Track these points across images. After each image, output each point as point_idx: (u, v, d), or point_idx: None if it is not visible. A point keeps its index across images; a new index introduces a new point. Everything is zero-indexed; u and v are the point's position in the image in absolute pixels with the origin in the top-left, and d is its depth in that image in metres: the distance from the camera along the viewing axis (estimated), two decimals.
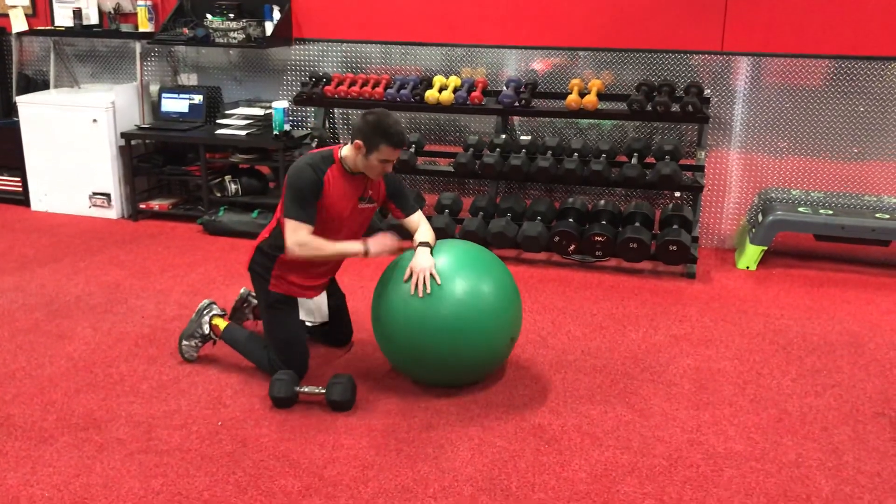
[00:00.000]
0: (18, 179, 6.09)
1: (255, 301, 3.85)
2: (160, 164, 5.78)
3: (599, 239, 4.69)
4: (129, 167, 5.77)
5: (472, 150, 5.08)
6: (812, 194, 5.14)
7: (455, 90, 5.15)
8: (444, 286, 3.14)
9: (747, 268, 4.91)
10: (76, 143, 5.78)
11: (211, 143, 5.58)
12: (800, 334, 3.96)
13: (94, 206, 5.87)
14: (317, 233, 3.17)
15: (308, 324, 3.58)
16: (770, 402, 3.29)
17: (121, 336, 3.85)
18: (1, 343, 3.77)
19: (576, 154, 4.91)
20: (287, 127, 5.53)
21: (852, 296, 4.48)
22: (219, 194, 5.66)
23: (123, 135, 5.70)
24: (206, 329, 3.53)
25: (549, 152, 4.95)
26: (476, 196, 5.15)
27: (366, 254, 3.20)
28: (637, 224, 4.77)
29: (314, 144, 5.36)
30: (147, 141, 5.87)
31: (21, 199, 6.10)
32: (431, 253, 3.22)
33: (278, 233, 3.23)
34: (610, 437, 3.00)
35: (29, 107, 5.87)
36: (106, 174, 5.79)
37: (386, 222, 4.76)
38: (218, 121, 5.77)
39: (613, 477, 2.75)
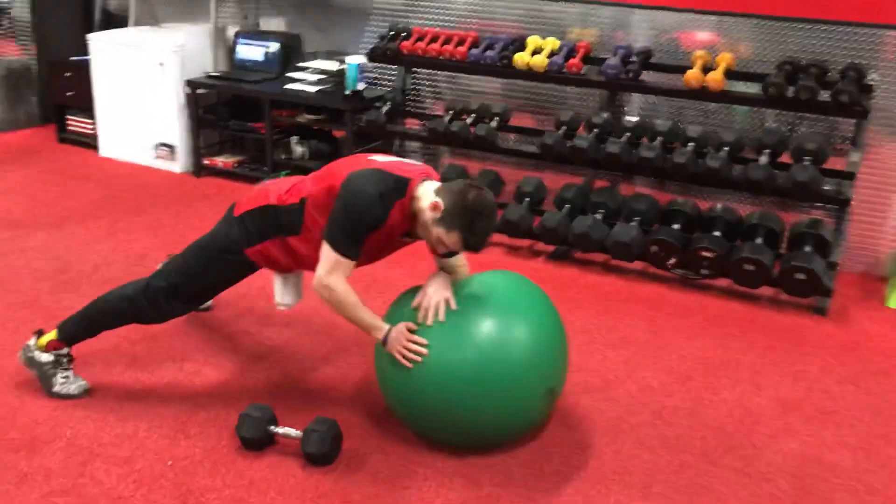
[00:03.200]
0: (91, 122, 5.75)
1: None
2: (226, 118, 5.26)
3: (707, 255, 3.75)
4: (194, 118, 5.28)
5: (563, 128, 4.22)
6: None
7: (551, 54, 4.28)
8: (464, 324, 2.43)
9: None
10: (143, 88, 5.34)
11: (277, 99, 4.99)
12: None
13: (159, 157, 5.44)
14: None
15: (281, 308, 2.89)
16: None
17: None
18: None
19: (691, 144, 3.96)
20: (361, 86, 4.84)
21: None
22: (284, 156, 5.09)
23: (189, 82, 5.20)
24: (48, 357, 2.78)
25: (658, 139, 4.02)
26: (563, 185, 4.29)
27: (383, 343, 2.49)
28: (758, 241, 3.79)
29: (384, 109, 4.66)
30: (212, 91, 5.34)
31: (92, 142, 5.76)
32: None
33: (299, 213, 2.56)
34: None
35: (99, 45, 5.47)
36: (172, 124, 5.32)
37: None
38: (289, 73, 5.15)
39: None
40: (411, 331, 2.45)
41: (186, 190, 5.09)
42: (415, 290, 2.61)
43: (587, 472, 2.54)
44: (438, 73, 4.95)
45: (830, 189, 3.75)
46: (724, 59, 3.96)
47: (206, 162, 5.36)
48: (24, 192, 4.92)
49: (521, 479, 2.48)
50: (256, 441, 2.55)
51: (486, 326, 2.44)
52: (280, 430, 2.57)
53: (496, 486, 2.45)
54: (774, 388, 3.09)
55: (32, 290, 3.61)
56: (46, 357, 2.79)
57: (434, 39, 4.57)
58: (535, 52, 4.32)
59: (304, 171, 4.86)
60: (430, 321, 2.42)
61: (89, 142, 5.78)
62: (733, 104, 4.13)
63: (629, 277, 4.01)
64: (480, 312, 2.48)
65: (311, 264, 2.61)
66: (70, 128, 5.92)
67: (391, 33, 4.73)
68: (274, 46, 5.32)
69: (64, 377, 2.80)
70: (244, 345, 3.24)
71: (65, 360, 2.81)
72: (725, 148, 3.90)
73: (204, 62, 5.38)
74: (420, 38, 4.60)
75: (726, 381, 3.12)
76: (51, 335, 2.82)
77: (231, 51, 5.49)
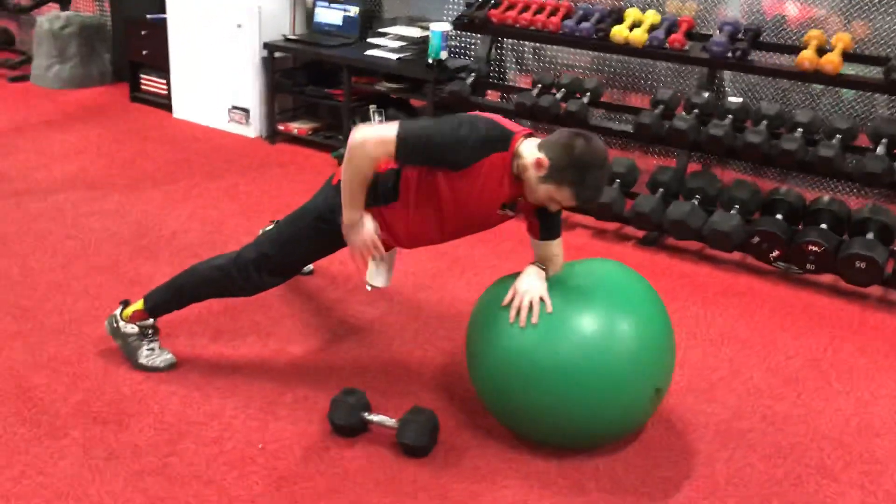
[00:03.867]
0: (164, 82, 5.67)
1: None
2: (302, 83, 5.12)
3: (815, 248, 3.52)
4: (270, 82, 5.15)
5: (661, 107, 4.00)
6: None
7: (651, 29, 4.05)
8: (567, 319, 2.27)
9: None
10: (219, 49, 5.23)
11: (357, 65, 4.83)
12: None
13: (233, 121, 5.33)
14: (429, 209, 2.37)
15: (368, 287, 2.69)
16: None
17: None
18: (71, 280, 3.30)
19: (799, 130, 3.71)
20: (444, 55, 4.66)
21: None
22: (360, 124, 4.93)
23: (267, 45, 5.07)
24: (132, 328, 2.72)
25: (764, 123, 3.77)
26: (658, 168, 4.07)
27: (344, 227, 2.39)
28: (870, 236, 3.55)
29: (469, 81, 4.47)
30: (289, 55, 5.20)
31: (166, 103, 5.68)
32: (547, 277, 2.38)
33: (394, 181, 2.39)
34: None
35: (177, 4, 5.36)
36: (247, 88, 5.21)
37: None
38: (370, 39, 4.99)
39: None
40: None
41: (260, 156, 4.98)
42: (510, 280, 2.46)
43: (698, 480, 2.38)
44: (525, 44, 4.75)
45: None
46: (842, 40, 3.69)
47: (280, 128, 5.24)
48: (98, 151, 4.87)
49: (629, 485, 2.33)
50: (349, 428, 2.44)
51: (591, 321, 2.28)
52: (374, 417, 2.45)
53: (603, 491, 2.30)
54: (892, 397, 2.88)
55: (112, 255, 3.54)
56: (131, 328, 2.72)
57: (526, 8, 4.36)
58: (634, 25, 4.08)
59: None
60: (522, 323, 2.26)
61: (162, 102, 5.71)
62: (850, 89, 3.86)
63: (725, 268, 3.79)
64: (584, 306, 2.31)
65: (404, 239, 2.49)
66: (143, 87, 5.85)
67: (479, 0, 4.53)
68: (353, 10, 5.15)
69: (149, 349, 2.72)
70: (329, 322, 3.13)
71: (150, 331, 2.73)
72: (838, 136, 3.64)
73: (281, 25, 5.24)
74: (511, 7, 4.39)
75: (839, 387, 2.91)
76: (137, 305, 2.73)
77: (310, 14, 5.34)
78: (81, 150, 4.86)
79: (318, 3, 5.27)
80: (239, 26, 5.09)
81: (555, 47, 4.66)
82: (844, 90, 3.98)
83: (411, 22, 5.13)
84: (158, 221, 3.92)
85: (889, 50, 3.76)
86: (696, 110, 3.93)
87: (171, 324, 2.89)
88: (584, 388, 2.25)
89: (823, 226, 3.64)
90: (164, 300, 2.71)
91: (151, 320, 2.73)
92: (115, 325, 2.75)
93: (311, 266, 3.24)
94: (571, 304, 2.32)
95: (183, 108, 5.56)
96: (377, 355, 2.92)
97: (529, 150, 2.25)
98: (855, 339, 3.26)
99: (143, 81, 5.84)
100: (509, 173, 2.28)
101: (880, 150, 3.55)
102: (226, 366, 2.79)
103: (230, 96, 5.29)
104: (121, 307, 2.77)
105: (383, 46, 4.87)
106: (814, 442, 2.59)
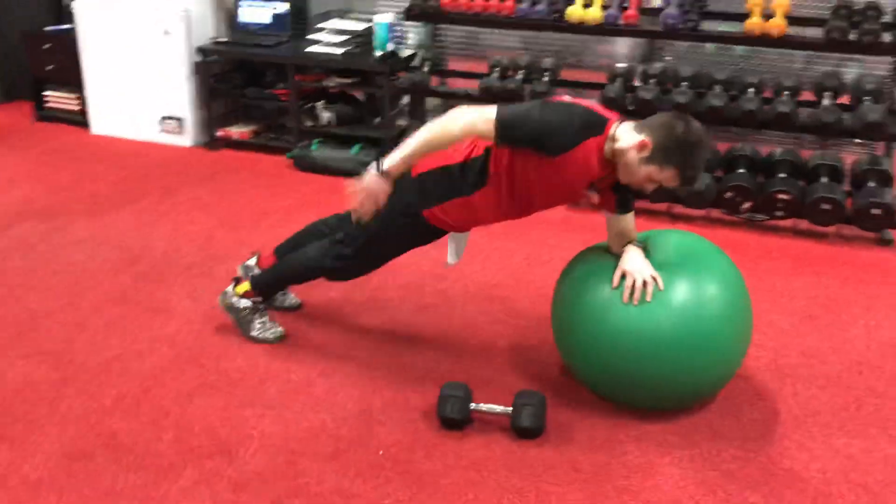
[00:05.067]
0: (77, 97, 5.33)
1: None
2: (241, 86, 4.98)
3: (784, 197, 3.88)
4: (205, 88, 4.98)
5: (619, 80, 4.23)
6: None
7: (604, 6, 4.26)
8: (668, 289, 2.41)
9: None
10: (145, 57, 4.98)
11: (302, 63, 4.76)
12: None
13: (165, 131, 5.11)
14: (520, 191, 2.46)
15: (448, 266, 2.83)
16: None
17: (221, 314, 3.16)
18: (88, 316, 3.11)
19: (751, 90, 4.05)
20: (391, 46, 4.69)
21: None
22: (310, 123, 4.88)
23: (200, 49, 4.89)
24: (244, 303, 2.92)
25: (717, 87, 4.09)
26: None
27: (378, 172, 2.46)
28: (827, 180, 3.95)
29: (426, 69, 4.53)
30: (220, 58, 5.03)
31: (80, 119, 5.34)
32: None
33: (483, 164, 2.46)
34: (891, 492, 2.31)
35: (87, 13, 5.04)
36: (179, 95, 5.00)
37: None
38: (309, 36, 4.92)
39: None
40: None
41: (207, 165, 4.82)
42: (592, 256, 2.60)
43: (782, 416, 2.62)
44: (458, 29, 4.85)
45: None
46: (781, 5, 4.05)
47: (219, 133, 5.07)
48: (29, 176, 4.55)
49: (729, 433, 2.53)
50: (461, 421, 2.50)
51: (684, 289, 2.43)
52: (484, 406, 2.52)
53: (711, 440, 2.49)
54: (890, 319, 3.26)
55: (116, 285, 3.36)
56: (245, 303, 2.91)
57: None
58: (587, 4, 4.28)
59: (333, 138, 4.75)
60: (636, 302, 2.39)
61: (75, 119, 5.37)
62: (796, 49, 4.24)
63: (697, 224, 4.10)
64: (674, 275, 2.46)
65: (490, 219, 2.59)
66: (49, 104, 5.47)
67: None
68: (282, 7, 5.05)
69: (261, 322, 2.91)
70: (380, 319, 3.14)
71: (262, 306, 2.90)
72: (786, 93, 4.01)
73: (206, 28, 5.06)
74: None
75: (846, 317, 3.26)
76: (245, 286, 2.89)
77: (232, 14, 5.18)
78: (11, 178, 4.51)
79: (242, 3, 5.12)
80: (167, 33, 4.87)
81: (487, 31, 4.80)
82: (709, 46, 4.40)
83: (343, 15, 5.10)
84: (143, 244, 3.74)
85: (822, 11, 4.17)
86: (652, 80, 4.19)
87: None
88: (685, 352, 2.40)
89: (784, 175, 4.01)
90: (268, 285, 2.94)
91: (260, 298, 2.89)
92: (228, 301, 2.94)
93: (298, 300, 3.21)
94: (663, 274, 2.44)
95: (103, 124, 5.25)
96: (445, 348, 2.97)
97: (626, 133, 2.37)
98: (835, 273, 3.64)
99: (49, 98, 5.46)
100: (601, 156, 2.40)
101: (826, 102, 3.94)
102: (299, 381, 2.76)
103: (160, 106, 5.06)
104: (233, 284, 2.96)
105: (324, 41, 4.81)
106: (853, 369, 2.91)
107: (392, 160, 2.45)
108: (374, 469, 2.35)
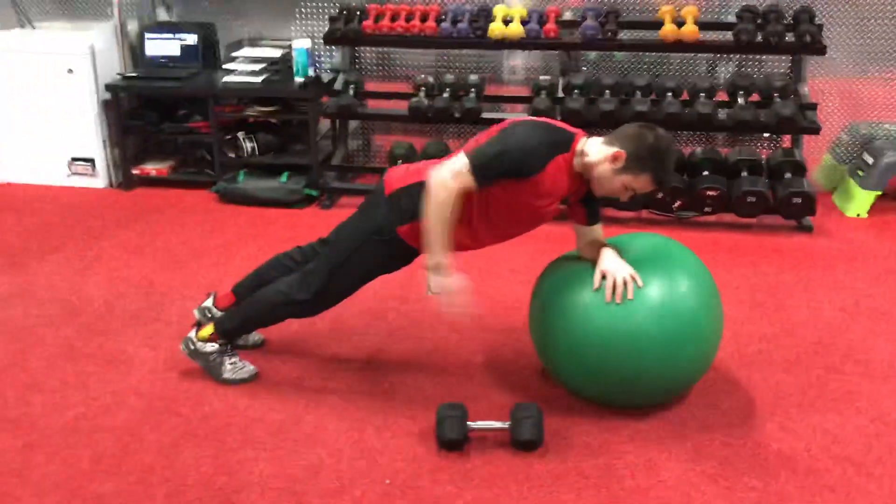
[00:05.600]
0: None
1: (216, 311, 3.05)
2: (156, 122, 4.80)
3: (712, 193, 4.08)
4: (117, 126, 4.77)
5: (543, 92, 4.34)
6: None
7: (523, 22, 4.36)
8: (645, 290, 2.49)
9: (857, 215, 4.42)
10: (49, 98, 4.73)
11: (221, 94, 4.64)
12: None
13: (76, 173, 4.86)
14: (493, 216, 2.49)
15: (431, 294, 2.65)
16: None
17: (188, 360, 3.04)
18: (38, 375, 2.92)
19: (669, 94, 4.24)
20: (311, 71, 4.64)
21: None
22: (232, 155, 4.76)
23: (108, 87, 4.69)
24: (210, 347, 2.81)
25: (637, 93, 4.26)
26: None
27: (432, 269, 2.45)
28: (747, 174, 4.18)
29: (351, 92, 4.50)
30: (129, 94, 4.84)
31: None
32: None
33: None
34: (872, 460, 2.46)
35: None
36: (88, 135, 4.77)
37: None
38: (226, 65, 4.80)
39: None
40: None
41: (126, 205, 4.62)
42: (566, 263, 2.66)
43: (757, 402, 2.75)
44: (372, 50, 4.86)
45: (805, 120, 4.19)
46: (691, 12, 4.27)
47: (134, 172, 4.87)
48: None
49: (714, 423, 2.63)
50: (460, 441, 2.49)
51: (658, 288, 2.50)
52: (482, 424, 2.53)
53: (699, 433, 2.58)
54: (828, 299, 3.48)
55: (60, 339, 3.17)
56: (210, 347, 2.81)
57: (395, 16, 4.47)
58: (506, 20, 4.37)
59: (258, 168, 4.65)
60: (619, 300, 2.45)
61: None
62: (708, 53, 4.47)
63: (629, 226, 4.25)
64: (654, 274, 2.53)
65: (464, 242, 2.56)
66: None
67: (344, 13, 4.56)
68: (191, 38, 4.91)
69: (231, 363, 2.80)
70: (352, 339, 3.09)
71: (227, 347, 2.80)
72: (701, 94, 4.22)
73: (113, 64, 4.85)
74: (380, 16, 4.47)
75: (790, 302, 3.46)
76: (209, 329, 2.77)
77: (137, 48, 4.99)
78: None
79: (148, 36, 4.94)
80: (70, 71, 4.64)
81: (401, 51, 4.84)
82: (617, 53, 4.62)
83: (254, 43, 5.01)
84: (77, 294, 3.54)
85: (728, 16, 4.42)
86: (576, 91, 4.32)
87: None
88: (668, 348, 2.49)
89: (707, 173, 4.22)
90: (234, 328, 2.81)
91: (226, 342, 2.80)
92: (191, 346, 2.82)
93: (261, 337, 3.12)
94: (639, 273, 2.51)
95: (6, 170, 4.94)
96: (419, 369, 2.96)
97: (595, 147, 2.44)
98: (767, 261, 3.85)
99: None
100: (571, 172, 2.46)
101: (741, 101, 4.18)
102: (284, 419, 2.68)
103: (69, 147, 4.81)
104: (194, 329, 2.82)
105: (240, 70, 4.71)
106: (808, 348, 3.09)
107: (435, 256, 2.42)
108: (386, 500, 2.31)
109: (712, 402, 2.74)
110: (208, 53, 4.96)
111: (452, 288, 2.45)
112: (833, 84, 4.66)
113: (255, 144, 4.74)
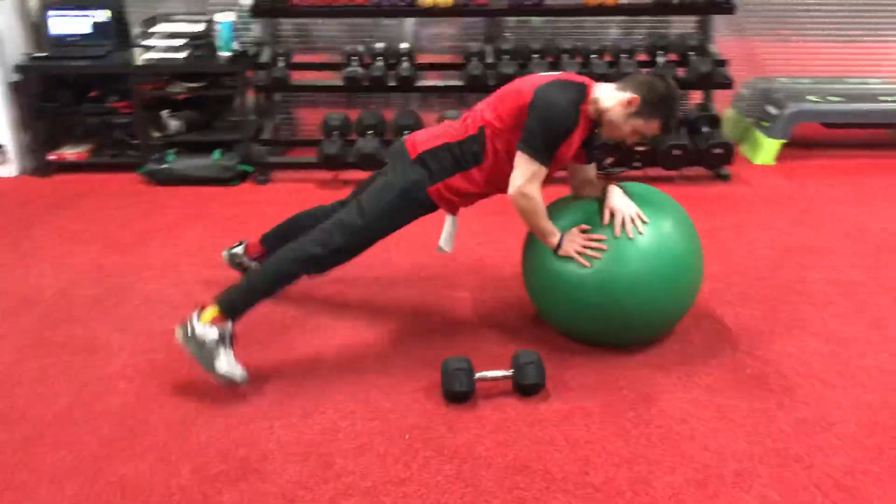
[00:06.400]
0: None
1: (250, 260, 3.24)
2: (71, 103, 4.58)
3: (640, 148, 4.33)
4: (28, 109, 4.52)
5: (475, 59, 4.45)
6: (800, 81, 5.08)
7: None
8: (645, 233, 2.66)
9: (765, 163, 4.79)
10: None
11: (143, 72, 4.48)
12: (884, 227, 3.89)
13: None
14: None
15: (441, 251, 2.88)
16: None
17: (170, 337, 2.93)
18: (13, 370, 2.79)
19: (595, 56, 4.44)
20: (236, 45, 4.55)
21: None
22: (157, 134, 4.61)
23: (19, 68, 4.43)
24: (213, 332, 2.60)
25: (566, 56, 4.44)
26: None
27: (556, 249, 2.68)
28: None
29: (282, 63, 4.45)
30: (39, 75, 4.60)
31: None
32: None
33: (480, 142, 2.62)
34: (834, 375, 2.74)
35: None
36: None
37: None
38: (144, 42, 4.62)
39: (891, 416, 2.50)
40: (585, 231, 2.67)
41: (48, 192, 4.41)
42: (554, 209, 2.79)
43: (724, 333, 2.98)
44: (289, 22, 4.82)
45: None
46: None
47: (50, 157, 4.64)
48: None
49: (693, 356, 2.84)
50: (467, 393, 2.60)
51: (655, 232, 2.67)
52: (489, 374, 2.64)
53: (682, 365, 2.78)
54: (762, 239, 3.79)
55: (22, 332, 3.03)
56: (212, 333, 2.58)
57: None
58: None
59: (186, 146, 4.52)
60: (630, 234, 2.62)
61: None
62: (628, 16, 4.69)
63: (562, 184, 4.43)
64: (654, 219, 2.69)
65: (492, 191, 2.71)
66: None
67: None
68: (102, 15, 4.70)
69: (227, 356, 2.61)
70: (345, 306, 3.12)
71: (228, 338, 2.62)
72: (623, 55, 4.45)
73: (17, 44, 4.58)
74: None
75: (730, 244, 3.74)
76: (212, 311, 2.61)
77: (39, 27, 4.72)
78: None
79: (51, 14, 4.69)
80: None
81: (320, 22, 4.83)
82: (534, 19, 4.81)
83: (170, 19, 4.84)
84: (26, 285, 3.38)
85: None
86: (506, 56, 4.45)
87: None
88: (659, 289, 2.67)
89: None
90: (240, 298, 2.66)
91: (230, 324, 2.62)
92: (189, 329, 2.58)
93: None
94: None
95: None
96: (405, 332, 3.03)
97: (608, 92, 2.59)
98: (700, 208, 4.12)
99: None
100: (588, 119, 2.61)
101: (661, 60, 4.43)
102: (287, 389, 2.69)
103: None
104: (196, 312, 2.62)
105: (159, 47, 4.56)
106: (756, 283, 3.36)
107: (552, 241, 2.67)
108: (409, 453, 2.39)
109: (685, 338, 2.96)
110: (121, 30, 4.76)
111: (577, 242, 2.65)
112: (731, 43, 5.00)
113: (182, 122, 4.61)
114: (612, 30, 5.03)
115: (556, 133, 2.53)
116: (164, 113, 4.59)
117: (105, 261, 3.60)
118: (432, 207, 2.72)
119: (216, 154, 4.49)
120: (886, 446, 2.39)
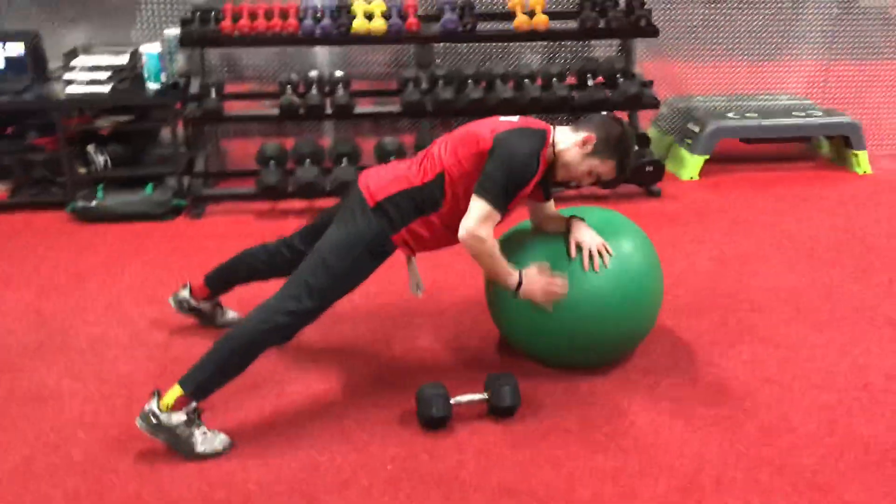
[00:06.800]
0: None
1: (198, 303, 3.13)
2: None
3: None
4: None
5: (411, 84, 4.48)
6: (714, 99, 5.33)
7: (384, 16, 4.46)
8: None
9: (691, 178, 4.99)
10: None
11: (66, 107, 4.31)
12: (810, 235, 4.11)
13: None
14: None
15: (417, 295, 2.87)
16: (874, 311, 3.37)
17: (125, 380, 2.86)
18: None
19: (527, 80, 4.54)
20: (164, 77, 4.44)
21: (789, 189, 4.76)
22: (83, 170, 4.44)
23: None
24: (179, 417, 2.41)
25: (499, 81, 4.52)
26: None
27: (516, 289, 2.62)
28: None
29: (214, 94, 4.37)
30: None
31: None
32: None
33: (439, 187, 2.58)
34: (789, 378, 2.87)
35: None
36: None
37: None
38: (65, 76, 4.45)
39: (854, 411, 2.63)
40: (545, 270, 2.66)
41: None
42: (513, 239, 2.82)
43: (681, 344, 3.08)
44: (217, 51, 4.75)
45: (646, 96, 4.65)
46: (538, 3, 4.58)
47: None
48: None
49: (656, 368, 2.92)
50: (444, 418, 2.59)
51: (619, 256, 2.72)
52: (465, 398, 2.64)
53: (645, 377, 2.86)
54: (698, 252, 3.94)
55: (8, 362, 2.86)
56: (177, 418, 2.41)
57: (253, 16, 4.38)
58: (367, 16, 4.45)
59: (116, 181, 4.36)
60: (596, 268, 2.65)
61: None
62: (558, 41, 4.80)
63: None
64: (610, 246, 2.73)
65: (451, 238, 2.67)
66: None
67: (197, 14, 4.40)
68: (16, 48, 4.51)
69: (202, 433, 2.44)
70: (304, 345, 3.05)
71: (195, 415, 2.45)
72: (554, 79, 4.56)
73: None
74: (237, 17, 4.37)
75: (666, 257, 3.79)
76: (174, 392, 2.43)
77: None
78: None
79: None
80: None
81: (248, 52, 4.78)
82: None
83: (89, 51, 4.69)
84: None
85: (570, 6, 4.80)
86: (440, 80, 4.50)
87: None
88: (625, 310, 2.74)
89: None
90: (208, 379, 2.45)
91: (195, 403, 2.44)
92: (154, 419, 2.39)
93: (237, 314, 3.17)
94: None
95: None
96: (370, 363, 3.01)
97: (564, 135, 2.61)
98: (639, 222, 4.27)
99: None
100: (546, 161, 2.62)
101: (591, 82, 4.57)
102: (258, 424, 2.62)
103: None
104: (155, 399, 2.42)
105: (82, 80, 4.40)
106: (700, 294, 3.49)
107: (510, 284, 2.61)
108: (394, 484, 2.36)
109: (645, 352, 3.04)
110: (37, 64, 4.58)
111: (539, 283, 2.61)
112: (650, 64, 5.19)
113: (108, 157, 4.46)
114: (537, 54, 5.15)
115: (515, 182, 2.51)
116: (91, 148, 4.42)
117: (42, 304, 3.43)
118: (386, 254, 2.65)
119: (148, 189, 4.35)
120: (847, 443, 2.52)
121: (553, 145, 2.62)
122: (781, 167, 5.24)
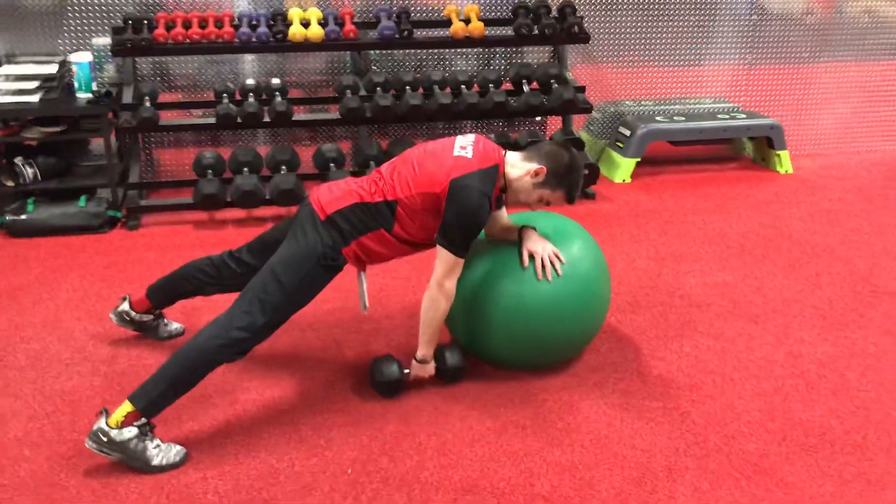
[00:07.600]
0: None
1: (140, 315, 3.09)
2: None
3: None
4: None
5: (349, 91, 4.48)
6: (644, 103, 5.50)
7: (320, 23, 4.45)
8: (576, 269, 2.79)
9: (623, 181, 5.13)
10: None
11: None
12: (740, 233, 4.28)
13: None
14: (431, 230, 2.64)
15: (365, 311, 2.90)
16: (834, 316, 3.53)
17: (70, 396, 2.79)
18: None
19: (464, 86, 4.60)
20: (95, 86, 4.34)
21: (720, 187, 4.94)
22: (10, 183, 4.30)
23: None
24: (128, 433, 2.36)
25: (436, 87, 4.57)
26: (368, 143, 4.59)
27: (420, 360, 2.78)
28: None
29: (149, 103, 4.29)
30: None
31: None
32: None
33: (391, 211, 2.61)
34: (730, 369, 2.98)
35: None
36: None
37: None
38: None
39: (792, 398, 2.75)
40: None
41: None
42: (483, 248, 2.85)
43: (625, 341, 3.17)
44: (148, 60, 4.67)
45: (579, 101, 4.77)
46: (473, 10, 4.65)
47: None
48: None
49: (602, 365, 3.01)
50: (399, 382, 2.77)
51: (570, 261, 2.78)
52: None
53: (593, 373, 2.94)
54: (636, 251, 4.06)
55: None
56: (128, 432, 2.36)
57: (187, 24, 4.32)
58: (304, 23, 4.44)
59: (46, 194, 4.23)
60: (549, 276, 2.71)
61: None
62: (495, 47, 4.87)
63: None
64: (562, 251, 2.78)
65: (406, 252, 2.72)
66: None
67: (129, 23, 4.31)
68: None
69: (156, 446, 2.40)
70: (253, 356, 3.00)
71: (147, 428, 2.41)
72: (491, 85, 4.63)
73: None
74: (170, 25, 4.30)
75: (608, 257, 3.90)
76: (124, 409, 2.38)
77: None
78: None
79: None
80: None
81: (179, 60, 4.72)
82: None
83: (10, 60, 4.54)
84: None
85: (504, 13, 4.88)
86: (378, 87, 4.52)
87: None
88: (576, 312, 2.81)
89: None
90: (160, 395, 2.40)
91: (145, 419, 2.40)
92: (104, 437, 2.34)
93: (181, 325, 3.16)
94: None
95: None
96: (325, 361, 3.00)
97: (515, 163, 2.66)
98: None
99: None
100: (498, 188, 2.67)
101: (526, 88, 4.66)
102: (210, 435, 2.59)
103: None
104: (102, 417, 2.36)
105: (7, 90, 4.26)
106: (641, 291, 3.60)
107: (426, 352, 2.74)
108: (356, 487, 2.37)
109: (592, 348, 3.12)
110: None
111: (428, 372, 2.80)
112: (581, 69, 5.33)
113: (37, 170, 4.33)
114: (471, 60, 5.22)
115: (473, 228, 2.56)
116: (19, 160, 4.28)
117: (22, 322, 3.31)
118: (338, 268, 2.65)
119: (82, 201, 4.24)
120: (788, 428, 2.64)
121: (504, 175, 2.67)
122: (709, 168, 5.44)
